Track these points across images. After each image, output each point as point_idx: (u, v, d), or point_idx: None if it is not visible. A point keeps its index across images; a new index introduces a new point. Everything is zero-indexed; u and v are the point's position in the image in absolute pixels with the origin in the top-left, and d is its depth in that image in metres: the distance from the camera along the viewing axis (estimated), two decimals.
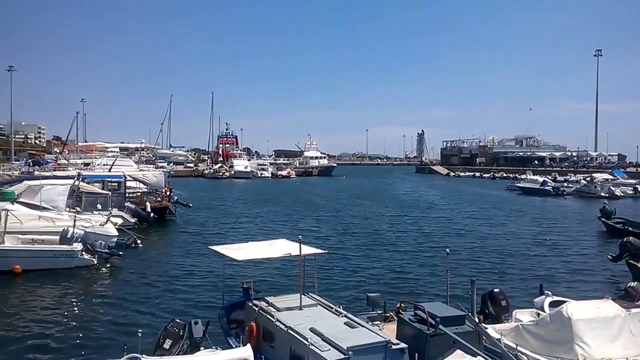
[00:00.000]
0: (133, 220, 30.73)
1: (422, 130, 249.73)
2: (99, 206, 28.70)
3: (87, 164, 54.56)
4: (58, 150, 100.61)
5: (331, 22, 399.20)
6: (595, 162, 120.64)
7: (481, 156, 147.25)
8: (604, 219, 34.17)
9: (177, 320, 10.57)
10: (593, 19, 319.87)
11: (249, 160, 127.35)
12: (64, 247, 21.08)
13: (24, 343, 13.31)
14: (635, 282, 14.23)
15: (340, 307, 10.27)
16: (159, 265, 22.90)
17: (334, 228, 35.30)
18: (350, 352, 7.75)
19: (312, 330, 8.64)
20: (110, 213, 26.60)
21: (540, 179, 74.76)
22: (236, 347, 9.83)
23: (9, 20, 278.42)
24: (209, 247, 13.39)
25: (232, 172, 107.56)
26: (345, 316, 9.63)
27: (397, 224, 38.06)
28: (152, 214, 33.56)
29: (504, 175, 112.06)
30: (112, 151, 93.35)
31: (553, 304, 12.79)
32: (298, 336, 8.53)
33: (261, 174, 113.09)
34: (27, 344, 13.27)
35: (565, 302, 12.72)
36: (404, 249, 27.43)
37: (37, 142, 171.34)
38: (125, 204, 32.29)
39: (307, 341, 8.14)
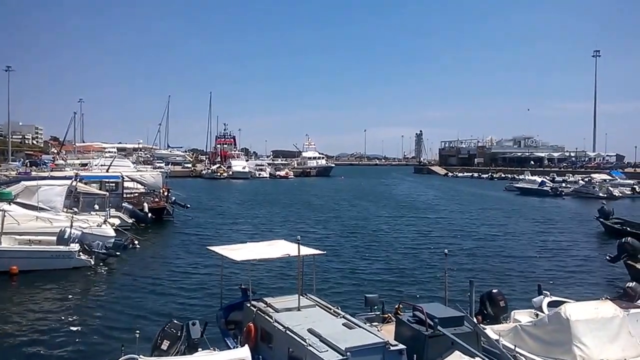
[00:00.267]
0: (130, 220, 30.72)
1: (421, 131, 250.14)
2: (96, 207, 28.61)
3: (84, 165, 54.58)
4: (55, 151, 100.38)
5: (330, 22, 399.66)
6: (594, 163, 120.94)
7: (479, 156, 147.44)
8: (602, 220, 34.22)
9: (175, 321, 10.52)
10: (591, 20, 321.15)
11: (247, 160, 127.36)
12: (61, 247, 21.01)
13: (20, 344, 13.26)
14: (634, 283, 14.24)
15: (338, 308, 10.24)
16: (156, 266, 22.86)
17: (332, 229, 35.28)
18: (348, 353, 7.73)
19: (310, 331, 8.61)
20: (108, 214, 26.57)
21: (539, 179, 74.91)
22: (234, 347, 9.80)
23: (6, 20, 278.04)
24: (208, 247, 13.36)
25: (230, 173, 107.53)
26: (344, 317, 9.59)
27: (396, 224, 38.05)
28: (149, 215, 33.47)
29: (502, 175, 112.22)
30: (109, 152, 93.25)
31: (551, 304, 12.80)
32: (296, 337, 8.51)
33: (259, 174, 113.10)
34: (24, 345, 13.22)
35: (563, 301, 12.74)
36: (402, 249, 27.42)
37: (34, 142, 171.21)
38: (123, 204, 32.24)
39: (305, 342, 8.11)
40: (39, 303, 16.98)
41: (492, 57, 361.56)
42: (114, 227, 25.45)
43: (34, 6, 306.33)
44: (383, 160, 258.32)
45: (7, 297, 17.71)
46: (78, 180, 30.93)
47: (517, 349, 9.33)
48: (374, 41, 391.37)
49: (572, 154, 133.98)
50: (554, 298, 13.36)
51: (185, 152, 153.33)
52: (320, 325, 8.89)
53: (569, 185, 74.57)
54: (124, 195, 34.89)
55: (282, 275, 19.61)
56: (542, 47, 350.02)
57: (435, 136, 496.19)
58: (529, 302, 13.86)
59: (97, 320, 15.25)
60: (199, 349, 9.71)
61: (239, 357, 8.33)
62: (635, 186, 72.05)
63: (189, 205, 41.32)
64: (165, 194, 39.43)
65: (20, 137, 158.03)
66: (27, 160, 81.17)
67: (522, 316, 12.25)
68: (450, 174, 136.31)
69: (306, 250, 11.44)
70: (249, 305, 10.63)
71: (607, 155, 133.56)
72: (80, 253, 21.23)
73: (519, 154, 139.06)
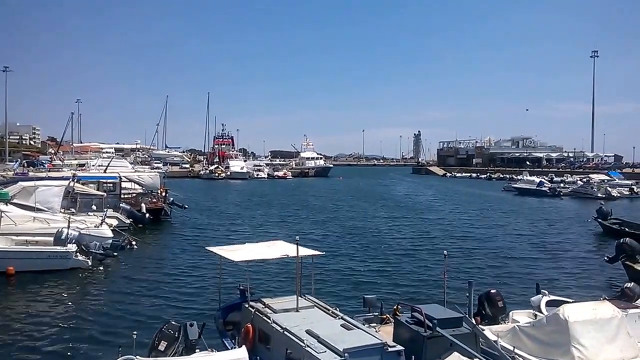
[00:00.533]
0: (128, 221, 30.66)
1: (419, 131, 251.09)
2: (94, 207, 28.58)
3: (82, 165, 54.42)
4: (53, 151, 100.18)
5: (329, 22, 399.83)
6: (592, 163, 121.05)
7: (478, 157, 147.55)
8: (600, 220, 34.23)
9: (173, 322, 10.46)
10: (590, 20, 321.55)
11: (245, 161, 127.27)
12: (58, 248, 20.93)
13: (17, 345, 13.20)
14: (632, 283, 14.19)
15: (336, 309, 10.22)
16: (154, 267, 22.80)
17: (331, 229, 35.24)
18: (346, 354, 7.71)
19: (308, 332, 8.59)
20: (105, 214, 26.46)
21: (537, 179, 74.96)
22: (232, 348, 9.76)
23: (4, 20, 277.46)
24: (206, 247, 13.32)
25: (228, 173, 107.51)
26: (342, 318, 9.57)
27: (394, 225, 38.02)
28: (147, 215, 33.41)
29: (501, 176, 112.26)
30: (107, 152, 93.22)
31: (549, 303, 12.82)
32: (294, 338, 8.49)
33: (257, 174, 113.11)
34: (21, 345, 13.16)
35: (561, 300, 12.78)
36: (400, 250, 27.39)
37: (31, 142, 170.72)
38: (121, 205, 32.17)
39: (303, 343, 8.09)
40: (35, 304, 16.90)
41: (491, 57, 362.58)
42: (112, 228, 25.39)
43: (32, 6, 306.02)
44: (381, 161, 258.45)
45: (4, 298, 17.64)
46: (75, 180, 30.88)
47: (515, 350, 9.30)
48: (373, 41, 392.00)
49: (571, 155, 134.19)
50: (552, 297, 13.36)
51: (183, 152, 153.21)
52: (318, 326, 8.87)
53: (567, 186, 74.62)
54: (122, 196, 34.87)
55: (281, 276, 19.56)
56: (540, 47, 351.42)
57: (434, 136, 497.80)
58: (527, 302, 13.85)
59: (94, 321, 15.19)
60: (197, 350, 9.66)
61: (236, 358, 8.28)
62: (633, 187, 72.11)
63: (186, 206, 41.29)
64: (163, 194, 39.41)
65: (18, 137, 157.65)
66: (25, 161, 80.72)
67: (521, 316, 12.24)
68: (448, 174, 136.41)
69: (305, 251, 11.41)
70: (247, 306, 10.60)
71: (605, 156, 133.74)
72: (78, 254, 21.15)
73: (517, 154, 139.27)
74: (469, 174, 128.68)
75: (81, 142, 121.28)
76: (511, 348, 9.33)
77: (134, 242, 25.91)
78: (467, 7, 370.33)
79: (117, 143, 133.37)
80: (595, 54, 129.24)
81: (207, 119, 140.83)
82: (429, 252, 26.61)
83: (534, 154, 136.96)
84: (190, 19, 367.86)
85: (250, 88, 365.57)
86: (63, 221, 23.02)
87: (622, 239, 21.00)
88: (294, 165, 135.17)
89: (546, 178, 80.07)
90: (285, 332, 8.79)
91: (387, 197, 67.31)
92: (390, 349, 8.07)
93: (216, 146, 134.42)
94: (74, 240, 21.25)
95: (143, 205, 34.54)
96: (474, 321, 9.97)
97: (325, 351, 7.89)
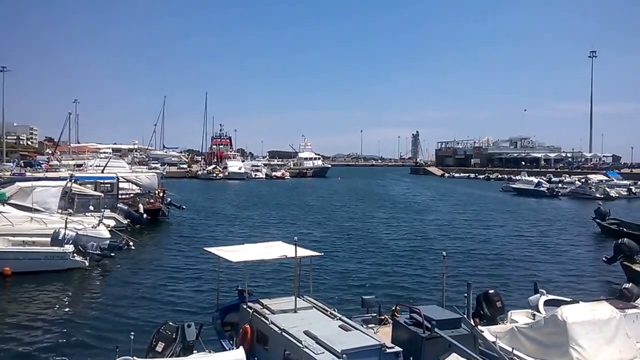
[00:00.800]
0: (126, 222, 30.60)
1: (417, 132, 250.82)
2: (91, 208, 28.47)
3: (79, 166, 54.26)
4: (50, 152, 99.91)
5: (328, 22, 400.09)
6: (590, 163, 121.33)
7: (476, 157, 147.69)
8: (598, 220, 34.27)
9: (170, 323, 10.44)
10: (588, 20, 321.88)
11: (243, 161, 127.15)
12: (55, 248, 20.87)
13: (14, 346, 13.15)
14: (630, 284, 14.20)
15: (335, 310, 10.19)
16: (151, 267, 22.75)
17: (329, 230, 35.22)
18: (344, 355, 7.69)
19: (306, 333, 8.56)
20: (103, 215, 26.41)
21: (535, 180, 75.11)
22: (230, 349, 9.73)
23: (1, 20, 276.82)
24: (204, 248, 13.28)
25: (226, 173, 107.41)
26: (340, 319, 9.55)
27: (392, 226, 38.03)
28: (145, 216, 33.33)
29: (499, 176, 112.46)
30: (104, 152, 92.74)
31: (547, 303, 12.81)
32: (292, 339, 8.46)
33: (255, 175, 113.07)
34: (17, 346, 13.12)
35: (559, 300, 12.78)
36: (399, 251, 27.38)
37: (29, 143, 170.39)
38: (118, 205, 32.10)
39: (301, 344, 8.07)
40: (32, 304, 16.85)
41: (489, 57, 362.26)
42: (109, 228, 25.32)
43: (30, 6, 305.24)
44: (379, 161, 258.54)
45: (0, 299, 17.56)
46: (73, 181, 30.79)
47: (514, 352, 9.29)
48: (372, 42, 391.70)
49: (569, 155, 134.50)
50: (550, 297, 13.35)
51: (181, 152, 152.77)
52: (316, 327, 8.84)
53: (565, 186, 74.77)
54: (119, 196, 34.78)
55: (279, 277, 19.52)
56: (539, 47, 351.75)
57: (432, 137, 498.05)
58: (525, 302, 13.82)
59: (91, 321, 15.14)
60: (194, 351, 9.63)
61: (233, 359, 8.26)
62: (631, 187, 72.30)
63: (184, 207, 41.24)
64: (161, 194, 39.32)
65: (15, 137, 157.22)
66: (22, 161, 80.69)
67: (519, 316, 12.24)
68: (446, 174, 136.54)
69: (303, 252, 11.38)
70: (245, 306, 10.56)
71: (603, 156, 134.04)
72: (75, 254, 21.09)
73: (516, 154, 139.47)
74: (467, 175, 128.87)
75: (79, 143, 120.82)
76: (510, 349, 9.32)
77: (131, 243, 25.85)
78: (467, 7, 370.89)
79: (115, 143, 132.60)
80: (593, 54, 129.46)
81: (205, 119, 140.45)
82: (427, 252, 26.59)
83: (532, 154, 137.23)
84: (189, 19, 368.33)
85: (249, 88, 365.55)
86: (60, 222, 22.95)
87: (620, 240, 21.04)
88: (292, 166, 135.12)
89: (544, 178, 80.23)
90: (283, 333, 8.76)
91: (385, 197, 67.31)
92: (388, 350, 8.06)
93: (214, 146, 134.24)
94: (71, 241, 21.18)
95: (141, 205, 34.48)
96: (472, 322, 9.95)
97: (323, 352, 7.87)
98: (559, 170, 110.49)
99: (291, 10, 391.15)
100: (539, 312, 12.37)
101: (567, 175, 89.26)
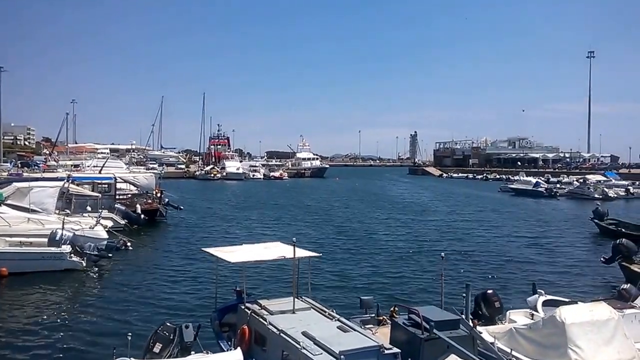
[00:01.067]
0: (123, 222, 30.55)
1: (415, 132, 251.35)
2: (88, 208, 28.37)
3: (76, 166, 54.27)
4: (47, 152, 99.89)
5: (327, 22, 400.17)
6: (588, 164, 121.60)
7: (474, 157, 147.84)
8: (596, 221, 34.30)
9: (168, 324, 10.39)
10: (587, 20, 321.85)
11: (240, 161, 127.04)
12: (52, 249, 20.81)
13: (10, 347, 13.09)
14: (628, 284, 14.20)
15: (333, 311, 10.16)
16: (149, 268, 22.68)
17: (327, 231, 35.19)
18: (342, 357, 7.67)
19: (304, 334, 8.54)
20: (100, 215, 26.33)
21: (533, 180, 75.18)
22: (227, 350, 9.69)
23: None
24: (202, 249, 13.24)
25: (224, 174, 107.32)
26: (338, 320, 9.52)
27: (391, 226, 38.02)
28: (142, 216, 33.23)
29: (497, 176, 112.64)
30: (102, 152, 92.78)
31: (546, 303, 12.79)
32: (290, 340, 8.44)
33: (253, 175, 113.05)
34: (14, 347, 13.05)
35: (557, 300, 12.76)
36: (397, 251, 27.34)
37: (26, 143, 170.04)
38: (116, 206, 32.05)
39: (299, 345, 8.04)
40: (29, 305, 16.77)
41: (488, 58, 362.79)
42: (107, 229, 25.23)
43: (27, 6, 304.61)
44: (378, 161, 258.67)
45: None
46: (70, 181, 30.75)
47: (513, 353, 9.27)
48: (370, 41, 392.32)
49: (567, 155, 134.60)
50: (549, 297, 13.33)
51: (179, 153, 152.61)
52: (314, 328, 8.82)
53: (563, 186, 74.84)
54: (117, 197, 34.69)
55: (277, 278, 19.46)
56: (537, 48, 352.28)
57: (430, 137, 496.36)
58: (524, 302, 13.81)
59: (88, 322, 15.09)
60: (192, 352, 9.59)
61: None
62: (629, 187, 72.42)
63: (182, 207, 41.17)
64: (159, 195, 39.26)
65: (12, 137, 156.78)
66: (19, 162, 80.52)
67: (518, 316, 12.23)
68: (445, 175, 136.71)
69: (302, 253, 11.35)
70: (243, 307, 10.53)
71: (601, 156, 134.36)
72: (72, 255, 21.03)
73: (514, 154, 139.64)
74: (465, 175, 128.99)
75: (76, 143, 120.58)
76: (508, 350, 9.29)
77: (128, 243, 25.74)
78: (467, 7, 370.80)
79: (112, 143, 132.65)
80: (591, 55, 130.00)
81: (203, 120, 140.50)
82: (425, 253, 26.57)
83: (530, 155, 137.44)
84: (186, 18, 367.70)
85: (247, 88, 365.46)
86: (57, 222, 22.88)
87: (618, 240, 21.00)
88: (290, 166, 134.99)
89: (542, 179, 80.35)
90: (282, 334, 8.74)
91: (383, 197, 67.32)
92: (386, 352, 8.04)
93: (212, 147, 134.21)
94: (68, 241, 21.12)
95: (138, 206, 34.36)
96: (471, 323, 9.93)
97: (321, 353, 7.85)
98: (557, 170, 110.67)
99: (290, 10, 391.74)
100: (537, 312, 12.36)
101: (565, 176, 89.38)
